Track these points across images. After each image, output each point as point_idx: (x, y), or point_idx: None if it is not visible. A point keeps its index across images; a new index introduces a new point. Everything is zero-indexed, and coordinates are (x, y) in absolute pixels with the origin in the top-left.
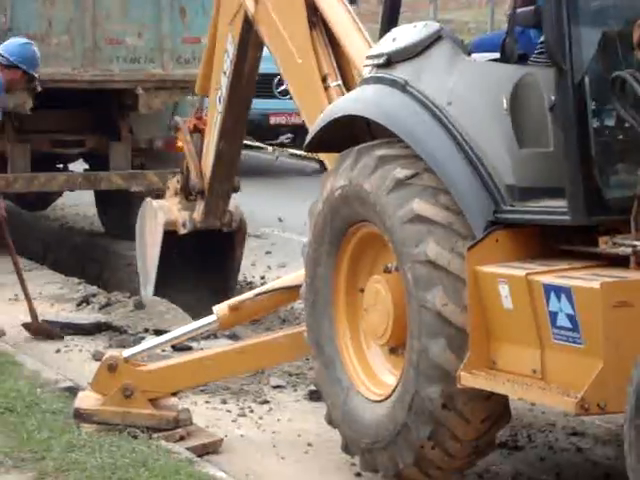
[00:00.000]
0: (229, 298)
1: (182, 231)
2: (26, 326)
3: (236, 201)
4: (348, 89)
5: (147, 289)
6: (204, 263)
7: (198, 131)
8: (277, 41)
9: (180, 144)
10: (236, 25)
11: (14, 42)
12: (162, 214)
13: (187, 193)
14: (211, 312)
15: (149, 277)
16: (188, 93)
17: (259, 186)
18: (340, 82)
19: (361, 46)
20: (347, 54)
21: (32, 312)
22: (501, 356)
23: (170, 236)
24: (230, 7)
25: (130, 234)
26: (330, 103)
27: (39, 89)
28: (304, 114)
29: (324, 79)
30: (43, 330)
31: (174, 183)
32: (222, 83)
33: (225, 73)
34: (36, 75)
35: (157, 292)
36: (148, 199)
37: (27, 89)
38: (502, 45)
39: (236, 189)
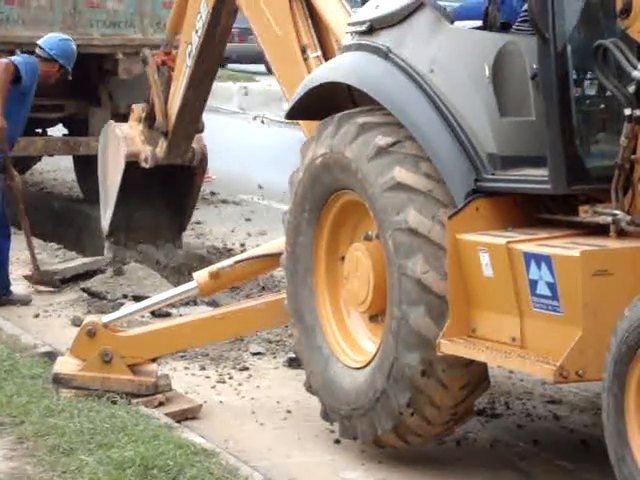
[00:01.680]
0: (183, 230)
1: (144, 165)
2: (27, 277)
3: (201, 138)
4: (327, 58)
5: (105, 216)
6: (163, 194)
7: (165, 65)
8: (256, 12)
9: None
10: None
11: (54, 37)
12: (125, 145)
13: (151, 122)
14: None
15: (108, 204)
16: None
17: (239, 153)
18: (320, 53)
19: (341, 16)
20: (327, 24)
21: (34, 263)
22: (481, 324)
23: (131, 166)
24: None
25: None
26: (309, 74)
27: (70, 78)
28: (283, 85)
29: (303, 50)
30: (43, 280)
31: (139, 110)
32: (193, 40)
33: (197, 32)
34: (70, 70)
35: (115, 221)
36: (111, 122)
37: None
38: (485, 13)
39: (199, 130)
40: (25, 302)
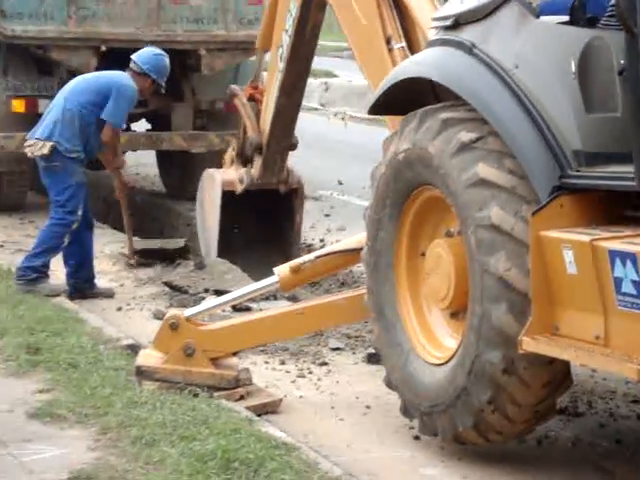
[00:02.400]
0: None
1: (239, 188)
2: (123, 254)
3: (292, 164)
4: (412, 51)
5: (210, 256)
6: (264, 227)
7: (253, 100)
8: (342, 2)
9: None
10: None
11: (148, 52)
12: (219, 175)
13: (244, 160)
14: (271, 274)
15: (211, 244)
16: (250, 55)
17: (318, 149)
18: (404, 44)
19: (427, 8)
20: (413, 16)
21: (130, 246)
22: (564, 322)
23: (229, 199)
24: None
25: (190, 194)
26: (394, 65)
27: (163, 92)
28: (367, 76)
29: (388, 41)
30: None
31: (230, 153)
32: (284, 41)
33: (287, 31)
34: (163, 84)
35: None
36: (207, 170)
37: (151, 94)
38: (571, 7)
39: (293, 146)
40: (109, 295)
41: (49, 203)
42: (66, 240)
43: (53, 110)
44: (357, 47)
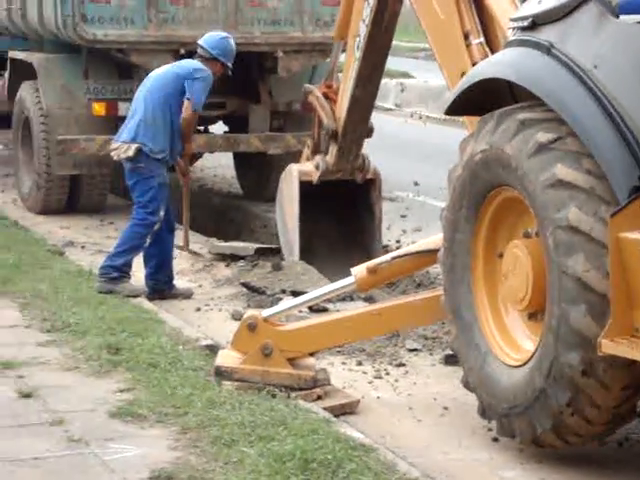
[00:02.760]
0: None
1: (316, 176)
2: (179, 247)
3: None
4: (491, 47)
5: (293, 255)
6: (344, 223)
7: (327, 98)
8: None
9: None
10: None
11: (214, 36)
12: (295, 167)
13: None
14: (347, 274)
15: (293, 244)
16: (327, 56)
17: (394, 149)
18: (482, 40)
19: (506, 5)
20: (491, 12)
21: (185, 239)
22: None
23: (307, 193)
24: None
25: (267, 196)
26: (472, 61)
27: (230, 74)
28: (445, 71)
29: (466, 36)
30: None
31: (306, 152)
32: (361, 31)
33: (364, 21)
34: (230, 67)
35: (302, 256)
36: (285, 169)
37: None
38: None
39: (370, 133)
40: (187, 296)
41: (129, 205)
42: (148, 240)
43: (136, 112)
44: (435, 42)
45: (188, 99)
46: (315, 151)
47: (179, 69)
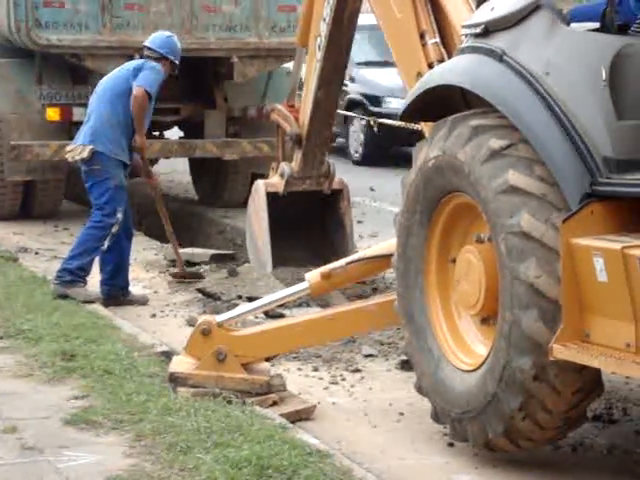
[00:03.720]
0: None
1: (281, 186)
2: (173, 274)
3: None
4: (446, 48)
5: (266, 270)
6: (314, 237)
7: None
8: None
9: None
10: None
11: (159, 36)
12: (262, 182)
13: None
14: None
15: (264, 257)
16: (282, 62)
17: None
18: (438, 39)
19: (461, 6)
20: (447, 13)
21: (179, 261)
22: (594, 329)
23: (275, 208)
24: None
25: (223, 201)
26: (427, 60)
27: (176, 74)
28: (401, 70)
29: (422, 36)
30: (188, 275)
31: (271, 173)
32: (321, 30)
33: (325, 20)
34: (178, 64)
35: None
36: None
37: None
38: (602, 15)
39: (333, 139)
40: (143, 303)
41: (84, 211)
42: (105, 244)
43: (91, 115)
44: (392, 41)
45: (138, 85)
46: (279, 162)
47: (128, 66)
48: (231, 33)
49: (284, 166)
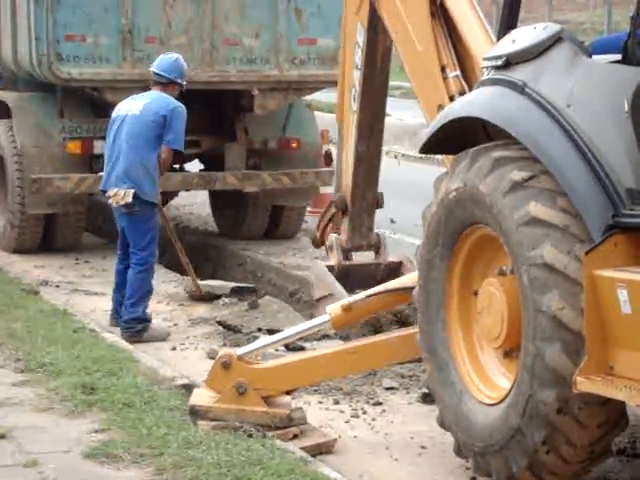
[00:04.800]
0: None
1: (334, 257)
2: (191, 293)
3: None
4: (467, 81)
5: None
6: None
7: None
8: (398, 27)
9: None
10: (362, 12)
11: (166, 60)
12: (315, 263)
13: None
14: None
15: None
16: (303, 94)
17: None
18: (459, 73)
19: (482, 39)
20: (467, 46)
21: (195, 283)
22: (619, 361)
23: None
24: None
25: (243, 234)
26: (448, 93)
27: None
28: (422, 103)
29: (443, 69)
30: (206, 294)
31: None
32: (355, 78)
33: (357, 66)
34: (184, 86)
35: None
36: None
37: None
38: (624, 47)
39: (380, 203)
40: (163, 338)
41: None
42: (153, 281)
43: (121, 158)
44: (413, 74)
45: (168, 146)
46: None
47: (154, 110)
48: (251, 66)
49: (332, 239)
